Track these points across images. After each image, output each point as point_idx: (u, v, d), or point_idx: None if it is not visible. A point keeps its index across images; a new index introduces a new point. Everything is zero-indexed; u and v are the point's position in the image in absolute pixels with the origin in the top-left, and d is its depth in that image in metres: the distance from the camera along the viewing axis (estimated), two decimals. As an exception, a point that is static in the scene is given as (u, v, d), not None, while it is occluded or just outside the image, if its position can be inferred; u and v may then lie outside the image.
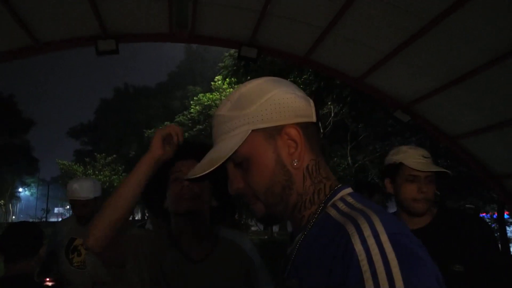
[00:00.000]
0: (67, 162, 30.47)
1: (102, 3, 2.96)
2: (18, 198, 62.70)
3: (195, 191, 1.30)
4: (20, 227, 2.08)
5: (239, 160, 0.74)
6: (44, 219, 44.02)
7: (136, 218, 48.29)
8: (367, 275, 0.55)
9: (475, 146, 3.83)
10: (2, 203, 51.38)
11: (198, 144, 1.42)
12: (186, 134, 25.64)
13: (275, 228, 24.56)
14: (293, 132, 0.72)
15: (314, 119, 0.76)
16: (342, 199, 0.72)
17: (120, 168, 30.21)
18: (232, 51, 15.54)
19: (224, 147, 0.73)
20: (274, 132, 0.72)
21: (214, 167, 0.72)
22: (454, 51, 2.94)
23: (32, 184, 61.09)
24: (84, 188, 2.70)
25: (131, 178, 1.13)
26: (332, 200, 0.72)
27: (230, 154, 0.71)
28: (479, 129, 3.55)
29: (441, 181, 1.67)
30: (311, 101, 0.78)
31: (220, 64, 18.73)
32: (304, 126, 0.74)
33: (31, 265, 1.89)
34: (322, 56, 3.67)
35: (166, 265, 1.27)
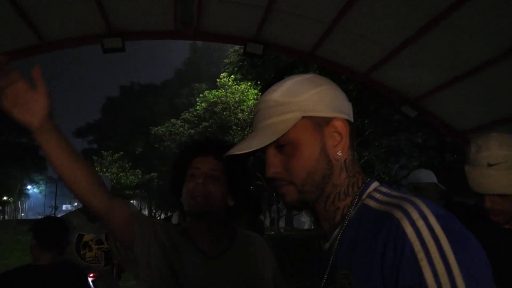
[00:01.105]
0: (74, 159, 30.61)
1: (107, 2, 2.96)
2: (27, 196, 63.42)
3: (209, 190, 1.26)
4: (52, 219, 2.44)
5: (284, 143, 0.76)
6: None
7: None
8: (420, 255, 0.58)
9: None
10: (11, 201, 51.95)
11: (217, 140, 1.39)
12: (192, 131, 25.68)
13: (282, 224, 24.60)
14: (340, 125, 0.76)
15: (352, 120, 0.80)
16: (377, 190, 0.75)
17: (127, 165, 30.34)
18: (237, 47, 15.57)
19: (275, 127, 0.75)
20: (322, 123, 0.76)
21: (262, 146, 0.74)
22: (462, 46, 2.91)
23: (41, 182, 61.72)
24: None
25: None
26: (367, 192, 0.75)
27: (280, 135, 0.74)
28: (487, 123, 3.51)
29: (447, 176, 1.66)
30: (350, 104, 0.82)
31: (225, 60, 18.75)
32: (347, 122, 0.78)
33: (63, 254, 2.24)
34: (328, 52, 3.65)
35: (179, 256, 1.25)
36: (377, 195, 0.72)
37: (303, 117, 0.75)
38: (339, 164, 0.77)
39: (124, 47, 3.31)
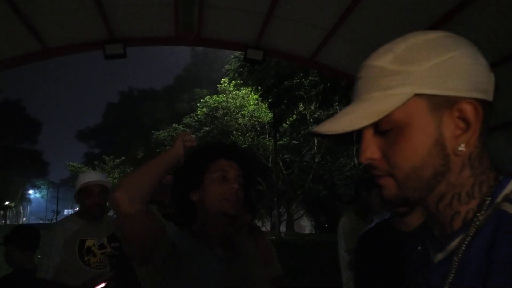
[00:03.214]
0: (76, 164, 30.75)
1: (109, 8, 2.99)
2: (29, 200, 63.50)
3: (239, 195, 1.30)
4: (26, 226, 2.85)
5: (387, 127, 0.59)
6: (54, 221, 44.47)
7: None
8: None
9: (490, 144, 3.79)
10: (12, 205, 51.95)
11: (241, 148, 1.48)
12: (193, 135, 25.69)
13: (283, 228, 24.54)
14: (469, 109, 0.57)
15: (491, 98, 0.60)
16: None
17: (128, 170, 30.37)
18: (238, 53, 15.62)
19: (376, 106, 0.58)
20: (443, 104, 0.57)
21: (356, 128, 0.58)
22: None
23: (42, 187, 61.82)
24: (100, 175, 2.76)
25: (160, 159, 1.23)
26: (503, 194, 0.57)
27: (382, 116, 0.57)
28: (493, 127, 3.51)
29: None
30: (493, 74, 0.61)
31: (226, 67, 18.83)
32: (481, 105, 0.58)
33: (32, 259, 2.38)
34: (328, 58, 3.67)
35: (191, 260, 1.24)
36: None
37: (417, 94, 0.57)
38: (460, 160, 0.59)
39: (125, 53, 3.34)
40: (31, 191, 59.23)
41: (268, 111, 19.78)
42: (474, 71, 0.58)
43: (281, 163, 21.72)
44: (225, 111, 22.77)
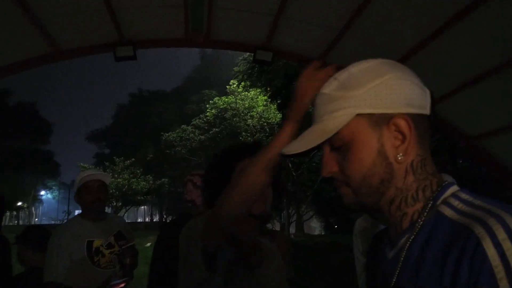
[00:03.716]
0: (87, 165, 31.03)
1: (119, 11, 3.02)
2: (41, 201, 64.32)
3: (267, 195, 1.27)
4: (37, 226, 2.98)
5: (339, 144, 0.69)
6: (65, 221, 44.92)
7: (154, 220, 48.82)
8: (503, 283, 0.49)
9: (494, 146, 3.75)
10: (25, 206, 52.64)
11: (259, 145, 1.40)
12: (202, 137, 25.84)
13: (292, 229, 24.48)
14: (402, 123, 0.66)
15: (428, 112, 0.70)
16: (455, 196, 0.65)
17: (138, 171, 30.59)
18: (247, 54, 15.65)
19: (326, 126, 0.69)
20: (381, 120, 0.67)
21: (314, 145, 0.69)
22: (474, 50, 2.89)
23: (54, 187, 62.54)
24: (96, 171, 2.79)
25: (261, 158, 1.07)
26: (442, 198, 0.65)
27: (330, 135, 0.67)
28: (499, 129, 3.47)
29: (459, 181, 1.65)
30: (428, 91, 0.72)
31: (235, 69, 18.88)
32: (415, 119, 0.67)
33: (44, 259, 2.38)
34: (337, 58, 3.66)
35: (222, 264, 1.24)
36: (455, 203, 0.63)
37: (358, 114, 0.67)
38: (403, 167, 0.67)
39: (135, 55, 3.37)
40: (42, 192, 59.97)
41: (277, 112, 19.77)
42: (406, 90, 0.68)
43: (290, 164, 21.69)
44: (234, 112, 22.83)
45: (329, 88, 0.71)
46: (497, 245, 0.51)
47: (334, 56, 3.62)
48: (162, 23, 3.34)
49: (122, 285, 2.29)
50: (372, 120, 0.67)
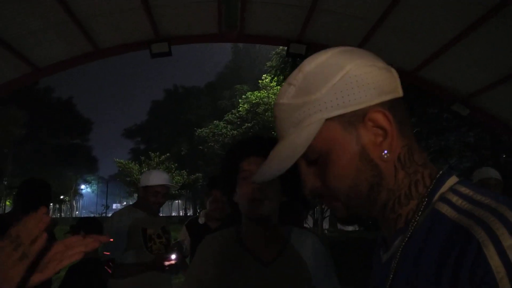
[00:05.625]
0: (123, 160, 32.04)
1: (155, 9, 3.08)
2: (81, 195, 67.24)
3: (266, 193, 1.20)
4: (91, 218, 3.09)
5: (314, 157, 0.60)
6: (104, 214, 46.82)
7: (188, 214, 49.84)
8: None
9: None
10: (67, 199, 55.19)
11: (269, 139, 1.27)
12: (235, 132, 26.02)
13: (325, 225, 24.26)
14: (379, 117, 0.57)
15: (400, 93, 0.60)
16: (453, 190, 0.56)
17: (173, 165, 31.24)
18: (279, 49, 15.59)
19: (294, 143, 0.59)
20: (354, 119, 0.58)
21: (286, 168, 0.59)
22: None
23: (93, 182, 65.16)
24: (165, 177, 2.96)
25: None
26: (439, 193, 0.57)
27: (302, 151, 0.59)
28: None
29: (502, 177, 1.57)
30: (394, 70, 0.62)
31: (267, 63, 18.84)
32: (391, 106, 0.58)
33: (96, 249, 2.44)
34: (373, 50, 3.54)
35: (232, 265, 1.21)
36: (454, 199, 0.54)
37: (327, 119, 0.58)
38: (390, 165, 0.59)
39: (170, 51, 3.43)
40: (83, 186, 62.62)
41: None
42: (372, 77, 0.58)
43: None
44: (267, 106, 22.80)
45: (286, 96, 0.61)
46: (502, 253, 0.44)
47: (370, 48, 3.53)
48: (196, 19, 3.38)
49: (173, 262, 2.61)
50: (345, 122, 0.58)
